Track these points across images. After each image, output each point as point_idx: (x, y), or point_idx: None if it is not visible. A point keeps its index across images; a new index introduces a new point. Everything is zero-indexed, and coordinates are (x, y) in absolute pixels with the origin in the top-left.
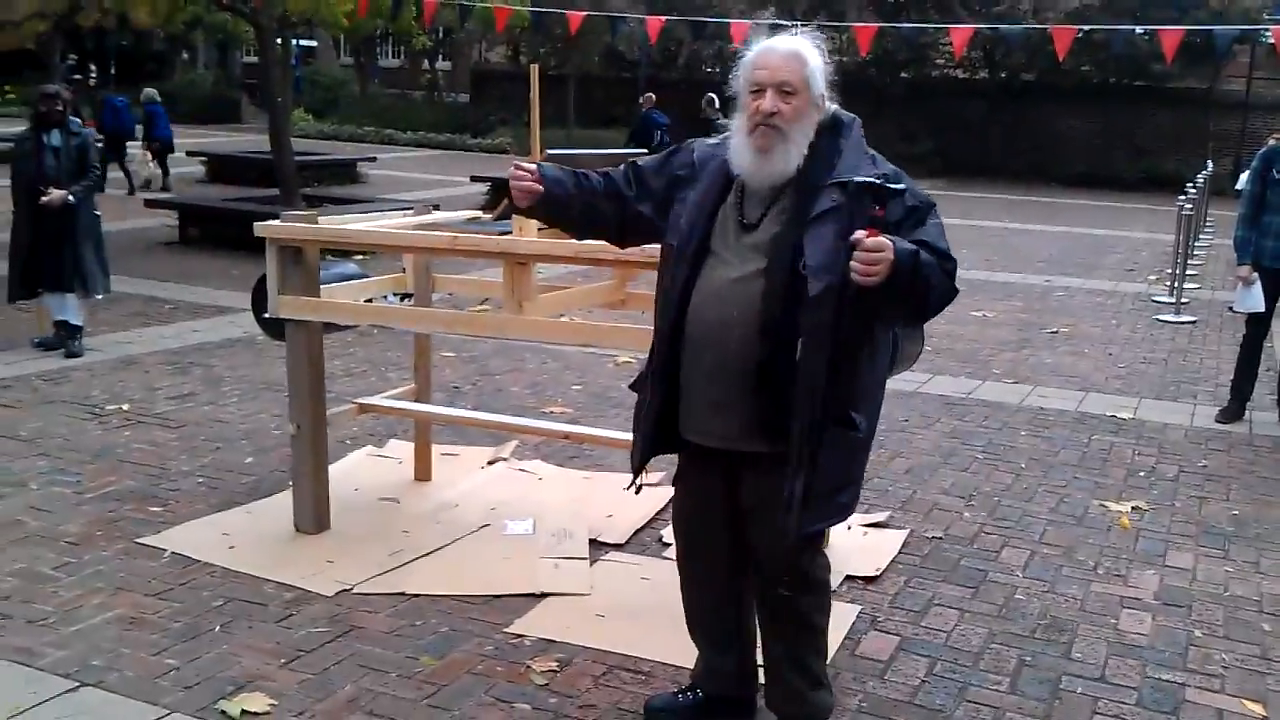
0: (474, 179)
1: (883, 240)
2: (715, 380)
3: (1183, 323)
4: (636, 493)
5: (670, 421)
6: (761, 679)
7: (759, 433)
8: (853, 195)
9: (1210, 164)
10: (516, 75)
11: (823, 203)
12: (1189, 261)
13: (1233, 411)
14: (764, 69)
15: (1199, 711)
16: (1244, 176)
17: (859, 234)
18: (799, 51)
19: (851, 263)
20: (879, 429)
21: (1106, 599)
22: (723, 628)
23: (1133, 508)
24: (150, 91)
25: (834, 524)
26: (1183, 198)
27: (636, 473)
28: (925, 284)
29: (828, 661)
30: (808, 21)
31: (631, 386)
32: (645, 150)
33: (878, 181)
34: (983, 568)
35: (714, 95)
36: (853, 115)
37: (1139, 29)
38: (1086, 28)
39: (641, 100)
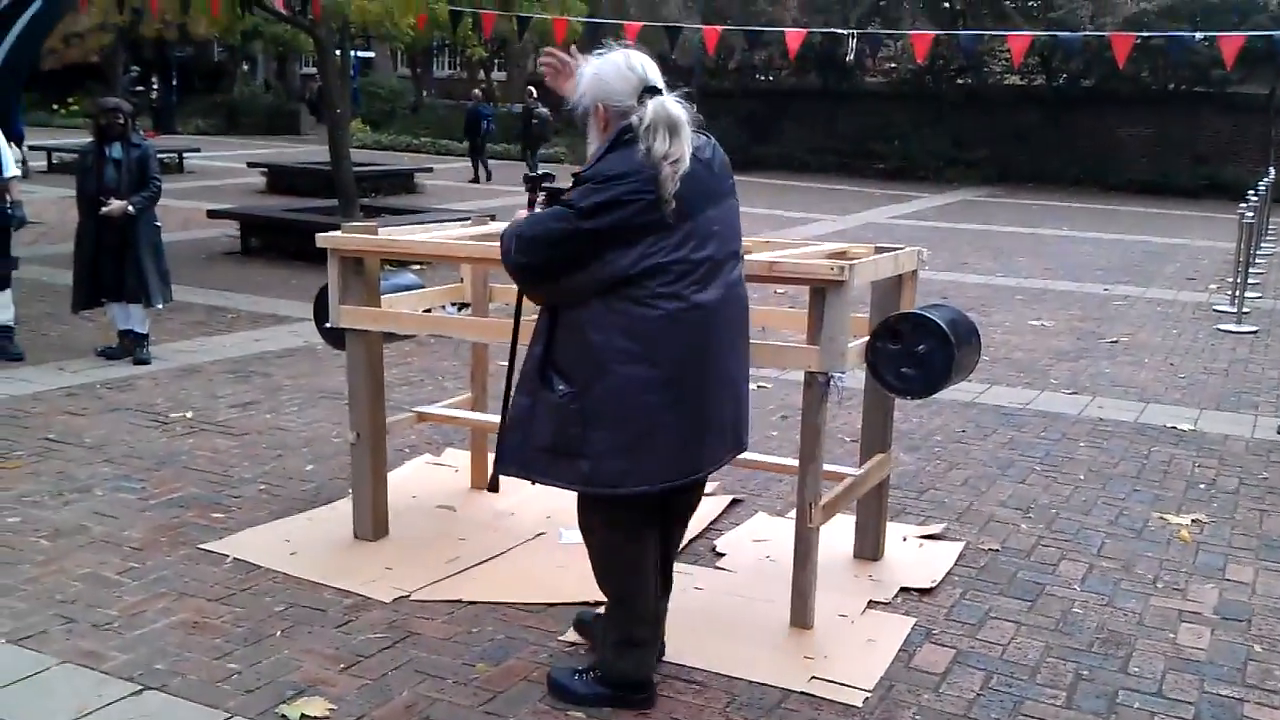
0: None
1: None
2: None
3: (1244, 332)
4: None
5: None
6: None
7: None
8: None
9: (1272, 171)
10: None
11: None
12: (1250, 270)
13: None
14: None
15: None
16: None
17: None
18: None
19: None
20: (934, 440)
21: (1165, 613)
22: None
23: (1192, 520)
24: None
25: (542, 481)
26: (1244, 205)
27: None
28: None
29: (627, 634)
30: (861, 29)
31: None
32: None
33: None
34: (1040, 581)
35: (532, 88)
36: (632, 123)
37: (1198, 35)
38: (1145, 34)
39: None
